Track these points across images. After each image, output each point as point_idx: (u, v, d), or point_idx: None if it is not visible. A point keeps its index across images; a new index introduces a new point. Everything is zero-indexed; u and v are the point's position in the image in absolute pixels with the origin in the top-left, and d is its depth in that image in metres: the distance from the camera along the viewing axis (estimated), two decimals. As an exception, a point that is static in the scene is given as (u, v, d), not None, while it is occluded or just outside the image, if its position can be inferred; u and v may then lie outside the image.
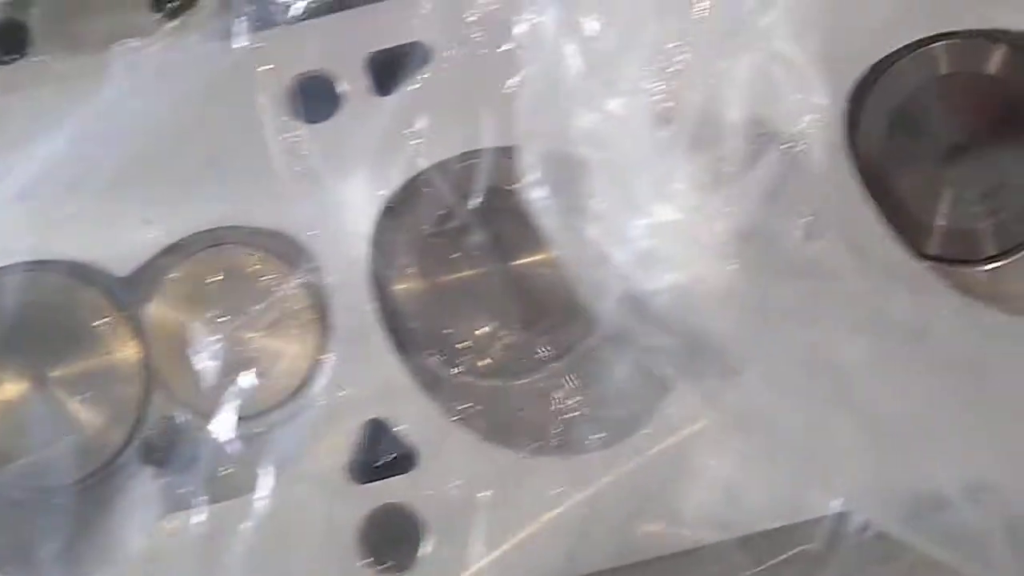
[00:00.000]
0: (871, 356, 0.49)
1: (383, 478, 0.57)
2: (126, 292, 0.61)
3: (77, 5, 0.63)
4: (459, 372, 0.60)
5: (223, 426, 0.58)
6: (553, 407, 0.59)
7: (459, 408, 0.59)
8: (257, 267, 0.60)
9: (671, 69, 0.51)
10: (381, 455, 0.58)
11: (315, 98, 0.59)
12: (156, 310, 0.61)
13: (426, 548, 0.56)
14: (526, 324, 0.60)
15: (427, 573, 0.57)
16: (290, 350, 0.60)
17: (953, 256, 0.60)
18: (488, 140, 0.57)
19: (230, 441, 0.58)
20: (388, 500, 0.57)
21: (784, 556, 0.54)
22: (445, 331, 0.60)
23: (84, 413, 0.61)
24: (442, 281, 0.61)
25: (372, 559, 0.57)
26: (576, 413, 0.59)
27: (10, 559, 0.59)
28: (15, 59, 0.62)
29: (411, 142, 0.58)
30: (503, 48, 0.56)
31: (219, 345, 0.59)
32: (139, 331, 0.61)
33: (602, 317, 0.51)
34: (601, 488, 0.56)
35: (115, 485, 0.61)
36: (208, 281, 0.60)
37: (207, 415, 0.59)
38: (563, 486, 0.56)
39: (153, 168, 0.59)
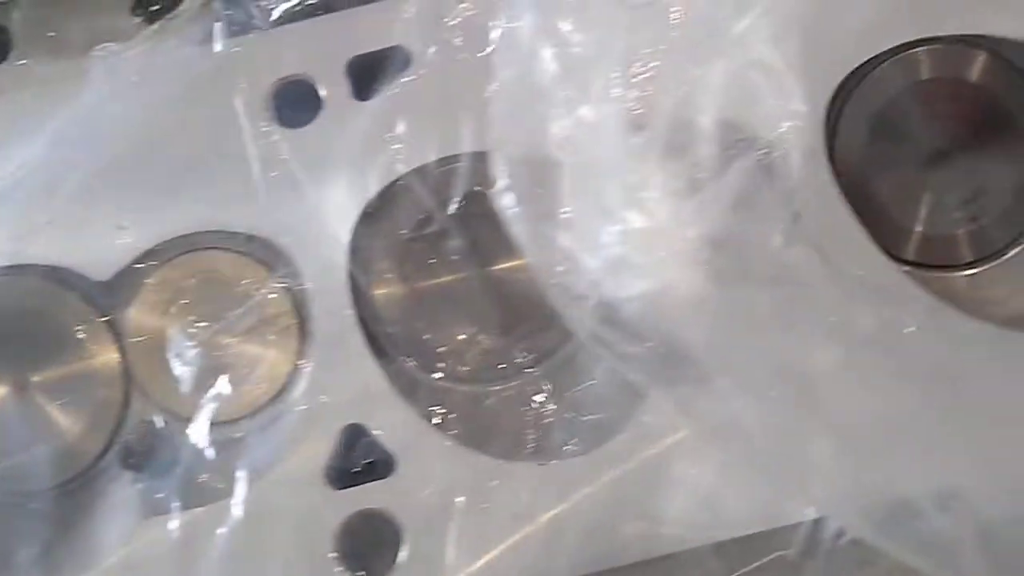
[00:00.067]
0: (844, 363, 0.49)
1: (360, 484, 0.57)
2: (105, 297, 0.61)
3: (58, 9, 0.63)
4: (437, 377, 0.60)
5: (200, 431, 0.57)
6: (531, 413, 0.59)
7: (437, 413, 0.59)
8: (236, 272, 0.60)
9: (646, 75, 0.51)
10: (358, 461, 0.57)
11: (295, 103, 0.59)
12: (135, 315, 0.60)
13: (403, 554, 0.56)
14: (504, 329, 0.60)
15: (404, 579, 0.56)
16: (268, 355, 0.60)
17: (933, 262, 0.60)
18: (467, 145, 0.57)
19: (208, 446, 0.57)
20: (365, 506, 0.57)
21: (760, 562, 0.54)
22: (423, 336, 0.60)
23: (64, 418, 0.61)
24: (421, 286, 0.61)
25: (349, 565, 0.56)
26: (553, 419, 0.59)
27: (-12, 563, 0.59)
28: (-4, 63, 0.62)
29: (390, 147, 0.58)
30: (483, 53, 0.56)
31: (197, 350, 0.59)
32: (118, 336, 0.61)
33: (574, 324, 0.51)
34: (578, 494, 0.56)
35: (95, 490, 0.61)
36: (186, 286, 0.60)
37: (185, 420, 0.59)
38: (540, 492, 0.56)
39: (132, 173, 0.59)
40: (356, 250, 0.58)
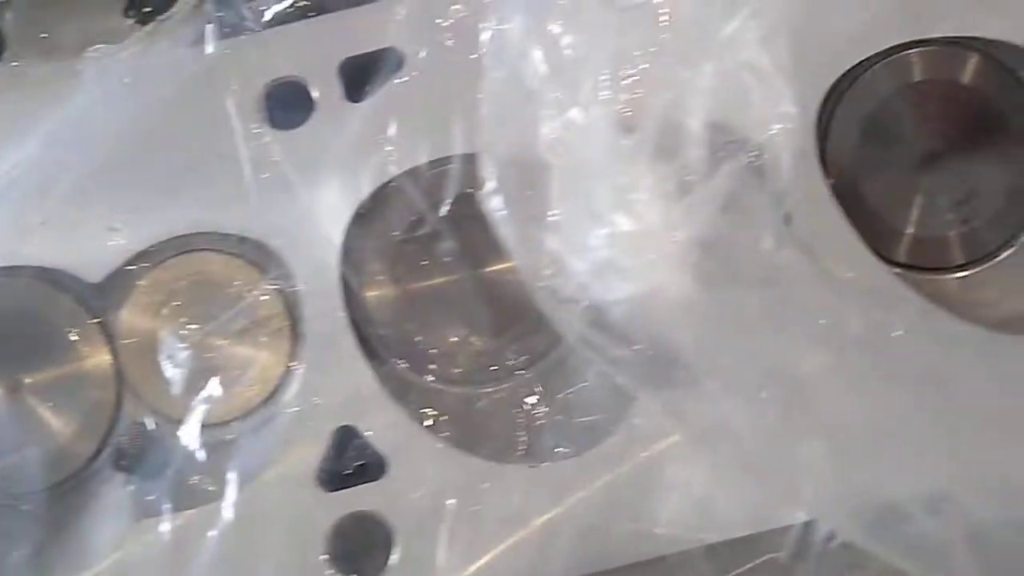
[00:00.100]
0: (833, 366, 0.49)
1: (352, 486, 0.57)
2: (98, 298, 0.61)
3: (51, 11, 0.63)
4: (429, 379, 0.60)
5: (192, 433, 0.57)
6: (522, 415, 0.59)
7: (429, 415, 0.59)
8: (228, 274, 0.60)
9: (636, 77, 0.51)
10: (350, 463, 0.57)
11: (287, 104, 0.59)
12: (127, 317, 0.60)
13: (395, 556, 0.56)
14: (496, 331, 0.60)
15: (396, 581, 0.56)
16: (260, 357, 0.60)
17: (924, 264, 0.60)
18: (459, 147, 0.57)
19: (199, 448, 0.57)
20: (357, 508, 0.57)
21: (751, 564, 0.54)
22: (415, 338, 0.60)
23: (56, 419, 0.61)
24: (413, 288, 0.61)
25: (340, 567, 0.56)
26: (545, 421, 0.59)
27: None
28: (-11, 64, 0.62)
29: (383, 148, 0.58)
30: (475, 55, 0.56)
31: (188, 352, 0.59)
32: (111, 338, 0.61)
33: (562, 328, 0.51)
34: (570, 496, 0.56)
35: (87, 492, 0.61)
36: (179, 288, 0.60)
37: (177, 422, 0.59)
38: (532, 494, 0.56)
39: (124, 174, 0.59)
40: (348, 252, 0.58)
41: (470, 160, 0.56)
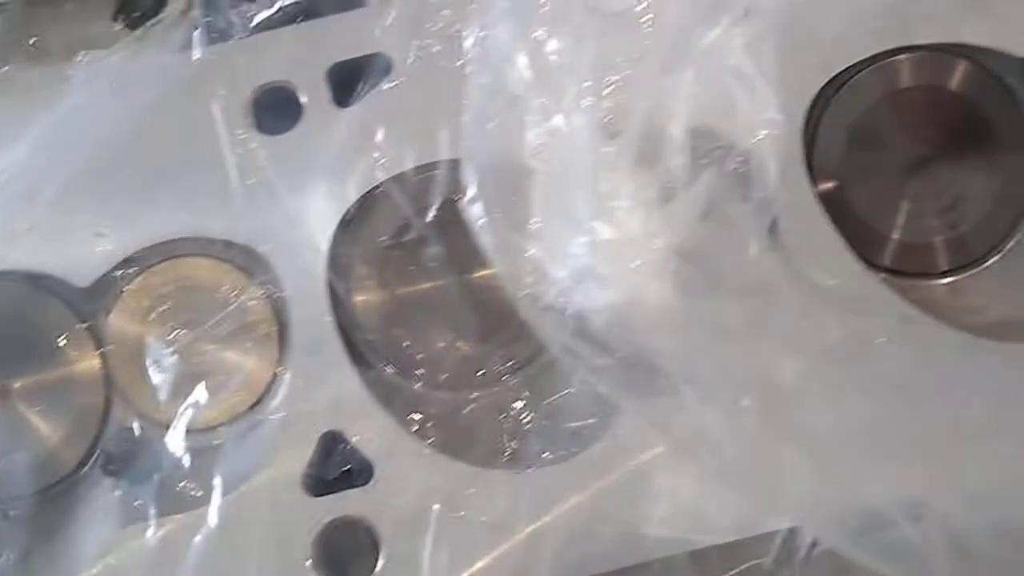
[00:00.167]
0: (813, 374, 0.49)
1: (338, 491, 0.57)
2: (87, 303, 0.61)
3: (40, 16, 0.63)
4: (416, 385, 0.60)
5: (178, 439, 0.57)
6: (509, 420, 0.59)
7: (415, 421, 0.59)
8: (215, 279, 0.60)
9: (620, 84, 0.51)
10: (336, 468, 0.57)
11: (275, 109, 0.59)
12: (115, 321, 0.61)
13: (381, 562, 0.56)
14: (483, 337, 0.60)
15: (382, 586, 0.56)
16: (247, 362, 0.60)
17: (911, 270, 0.60)
18: (446, 152, 0.57)
19: (185, 453, 0.57)
20: (343, 513, 0.57)
21: (736, 570, 0.54)
22: (402, 344, 0.61)
23: (44, 424, 0.61)
24: (399, 293, 0.61)
25: (326, 573, 0.56)
26: (531, 427, 0.59)
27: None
28: (-22, 70, 0.62)
29: (370, 154, 0.58)
30: (462, 61, 0.56)
31: (175, 357, 0.59)
32: (99, 342, 0.61)
33: (543, 335, 0.51)
34: (555, 502, 0.56)
35: (76, 496, 0.61)
36: (166, 293, 0.60)
37: (165, 427, 0.59)
38: (518, 500, 0.56)
39: (112, 179, 0.59)
40: (335, 257, 0.59)
41: (457, 166, 0.56)
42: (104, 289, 0.60)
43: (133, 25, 0.62)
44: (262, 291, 0.60)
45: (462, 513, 0.56)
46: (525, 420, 0.59)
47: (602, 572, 0.55)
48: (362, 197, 0.58)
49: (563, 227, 0.49)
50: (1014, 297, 0.58)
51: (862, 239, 0.58)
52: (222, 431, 0.60)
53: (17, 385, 0.61)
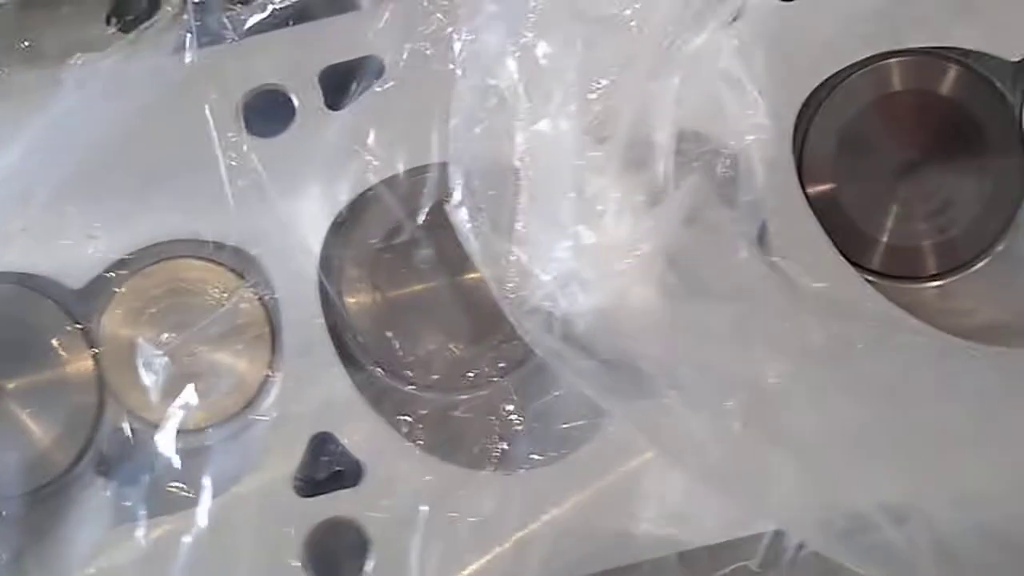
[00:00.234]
0: (798, 377, 0.49)
1: (329, 492, 0.57)
2: (80, 304, 0.61)
3: (34, 19, 0.63)
4: (406, 386, 0.60)
5: (168, 440, 0.58)
6: (499, 422, 0.59)
7: (406, 422, 0.59)
8: (207, 281, 0.60)
9: (608, 88, 0.51)
10: (327, 469, 0.58)
11: (268, 112, 0.59)
12: (108, 323, 0.61)
13: (370, 563, 0.56)
14: (473, 339, 0.60)
15: (372, 587, 0.57)
16: (239, 363, 0.60)
17: (901, 273, 0.60)
18: (437, 155, 0.57)
19: (175, 455, 0.58)
20: (333, 514, 0.57)
21: (723, 572, 0.54)
22: (393, 345, 0.61)
23: (37, 425, 0.61)
24: (391, 295, 0.61)
25: (316, 573, 0.56)
26: (521, 428, 0.59)
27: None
28: (-28, 73, 0.62)
29: (362, 156, 0.58)
30: (454, 64, 0.56)
31: (166, 359, 0.59)
32: (93, 343, 0.61)
33: (528, 339, 0.51)
34: (544, 503, 0.56)
35: (68, 497, 0.61)
36: (158, 295, 0.60)
37: (156, 428, 0.59)
38: (507, 501, 0.56)
39: (104, 182, 0.59)
40: (327, 259, 0.59)
41: (447, 169, 0.56)
42: (97, 291, 0.60)
43: (126, 28, 0.62)
44: (254, 293, 0.60)
45: (452, 514, 0.56)
46: (515, 422, 0.59)
47: (592, 573, 0.55)
48: (354, 199, 0.58)
49: (548, 231, 0.49)
50: (1003, 301, 0.59)
51: (851, 242, 0.58)
52: (213, 432, 0.60)
53: (10, 386, 0.61)
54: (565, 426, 0.57)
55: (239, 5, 0.60)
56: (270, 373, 0.59)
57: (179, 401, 0.58)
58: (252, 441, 0.58)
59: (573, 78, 0.50)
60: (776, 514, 0.50)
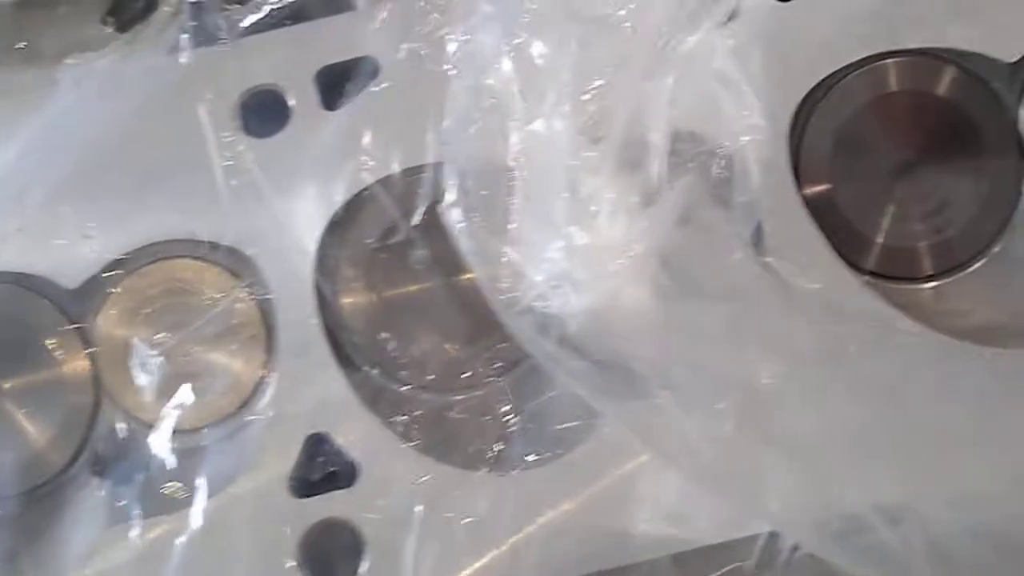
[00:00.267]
0: (792, 378, 0.49)
1: (323, 492, 0.57)
2: (76, 304, 0.61)
3: (30, 19, 0.63)
4: (402, 386, 0.60)
5: (163, 440, 0.58)
6: (494, 422, 0.59)
7: (401, 422, 0.59)
8: (203, 281, 0.60)
9: (602, 88, 0.51)
10: (322, 469, 0.58)
11: (263, 112, 0.59)
12: (103, 323, 0.61)
13: (365, 564, 0.56)
14: (469, 339, 0.60)
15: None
16: (234, 364, 0.60)
17: (897, 274, 0.60)
18: (433, 155, 0.57)
19: (170, 455, 0.58)
20: (328, 515, 0.57)
21: (718, 573, 0.54)
22: (389, 346, 0.61)
23: (33, 425, 0.61)
24: (386, 296, 0.61)
25: (311, 574, 0.56)
26: (516, 429, 0.59)
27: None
28: (-32, 72, 0.62)
29: (357, 156, 0.58)
30: (450, 64, 0.56)
31: (162, 359, 0.59)
32: (88, 343, 0.61)
33: (521, 339, 0.51)
34: (539, 504, 0.56)
35: (63, 497, 0.61)
36: (153, 295, 0.60)
37: (151, 428, 0.59)
38: (502, 502, 0.56)
39: (100, 182, 0.59)
40: (322, 259, 0.59)
41: (443, 169, 0.56)
42: (92, 291, 0.60)
43: (123, 28, 0.62)
44: (249, 293, 0.60)
45: (447, 515, 0.56)
46: (510, 422, 0.59)
47: (587, 574, 0.55)
48: (349, 200, 0.58)
49: (542, 231, 0.49)
50: (999, 302, 0.59)
51: (847, 243, 0.58)
52: (208, 432, 0.60)
53: (5, 386, 0.61)
54: (560, 427, 0.57)
55: (235, 5, 0.60)
56: (265, 373, 0.59)
57: (174, 401, 0.58)
58: (247, 441, 0.58)
59: (567, 78, 0.50)
60: (770, 515, 0.50)
